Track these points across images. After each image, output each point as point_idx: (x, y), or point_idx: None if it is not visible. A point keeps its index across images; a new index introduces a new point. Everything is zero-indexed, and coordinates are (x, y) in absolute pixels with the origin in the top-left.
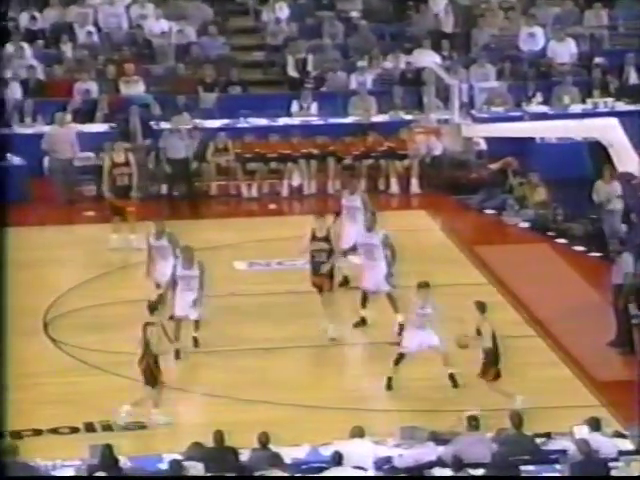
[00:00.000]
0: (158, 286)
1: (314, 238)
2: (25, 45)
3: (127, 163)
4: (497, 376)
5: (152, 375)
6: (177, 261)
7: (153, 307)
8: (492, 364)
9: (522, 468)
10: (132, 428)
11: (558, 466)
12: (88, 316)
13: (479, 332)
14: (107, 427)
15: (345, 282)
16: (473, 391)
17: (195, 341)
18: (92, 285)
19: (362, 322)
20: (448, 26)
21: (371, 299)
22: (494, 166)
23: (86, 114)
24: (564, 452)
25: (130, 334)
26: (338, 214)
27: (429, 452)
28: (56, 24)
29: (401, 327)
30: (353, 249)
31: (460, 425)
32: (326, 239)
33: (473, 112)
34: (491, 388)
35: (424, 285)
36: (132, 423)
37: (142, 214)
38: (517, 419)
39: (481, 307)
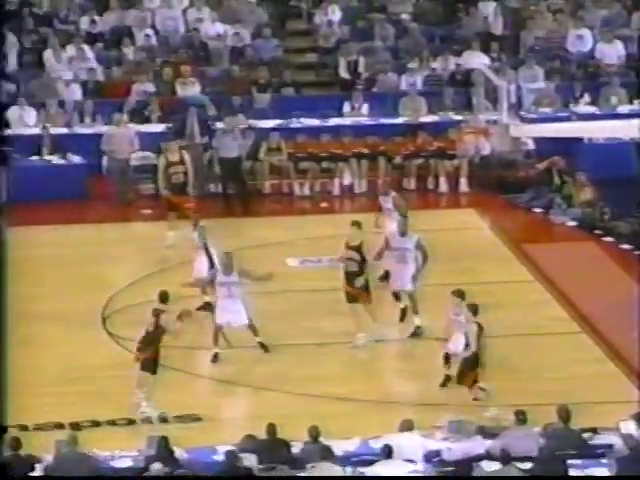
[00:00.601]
0: (198, 285)
1: (347, 246)
2: (85, 47)
3: (182, 161)
4: (475, 382)
5: (156, 363)
6: (215, 265)
7: (164, 297)
8: (471, 369)
9: (569, 462)
10: (187, 420)
11: (604, 460)
12: (144, 312)
13: (465, 335)
14: (163, 419)
15: (386, 276)
16: (516, 385)
17: (262, 346)
18: (148, 281)
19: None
20: (497, 28)
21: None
22: (541, 165)
23: (142, 114)
24: (610, 447)
25: (183, 329)
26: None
27: (477, 445)
28: (115, 27)
29: (417, 328)
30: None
31: (504, 419)
32: (358, 249)
33: (521, 112)
34: (470, 394)
35: (458, 294)
36: (187, 416)
37: (197, 211)
38: (564, 414)
39: (473, 309)
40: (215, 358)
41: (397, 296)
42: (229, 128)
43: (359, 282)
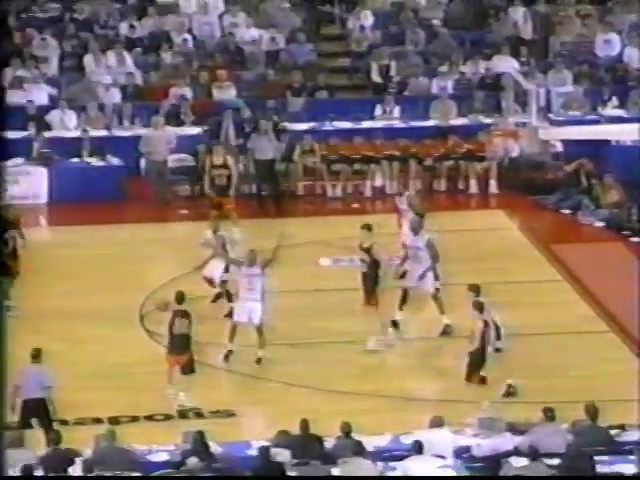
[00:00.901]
0: (210, 282)
1: (360, 248)
2: (124, 52)
3: (225, 165)
4: (483, 378)
5: (193, 364)
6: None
7: (181, 298)
8: (475, 366)
9: (596, 459)
10: (222, 416)
11: (632, 457)
12: None
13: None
14: (199, 414)
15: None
16: (545, 383)
17: (259, 361)
18: (184, 280)
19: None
20: (527, 33)
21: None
22: (569, 167)
23: (178, 117)
24: (638, 443)
25: (219, 327)
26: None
27: (506, 442)
28: (153, 32)
29: (447, 327)
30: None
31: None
32: (368, 250)
33: (550, 116)
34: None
35: (472, 289)
36: (222, 411)
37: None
38: (592, 411)
39: (478, 306)
40: (227, 356)
41: (405, 295)
42: (263, 130)
43: (367, 284)
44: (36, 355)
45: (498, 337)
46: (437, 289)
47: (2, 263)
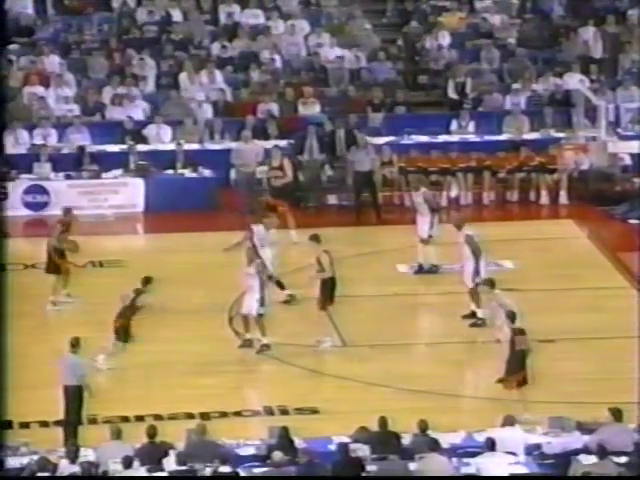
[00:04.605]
0: None
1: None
2: (216, 71)
3: (281, 168)
4: (519, 384)
5: (127, 333)
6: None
7: (148, 281)
8: (512, 371)
9: None
10: (305, 412)
11: None
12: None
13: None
14: (284, 411)
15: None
16: (613, 385)
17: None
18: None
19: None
20: (597, 52)
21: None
22: (638, 180)
23: (265, 132)
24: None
25: (296, 329)
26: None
27: (575, 440)
28: (243, 52)
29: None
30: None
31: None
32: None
33: (619, 130)
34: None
35: (486, 284)
36: (305, 408)
37: (313, 222)
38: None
39: (511, 316)
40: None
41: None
42: (362, 144)
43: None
44: (74, 344)
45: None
46: (477, 284)
47: (56, 264)
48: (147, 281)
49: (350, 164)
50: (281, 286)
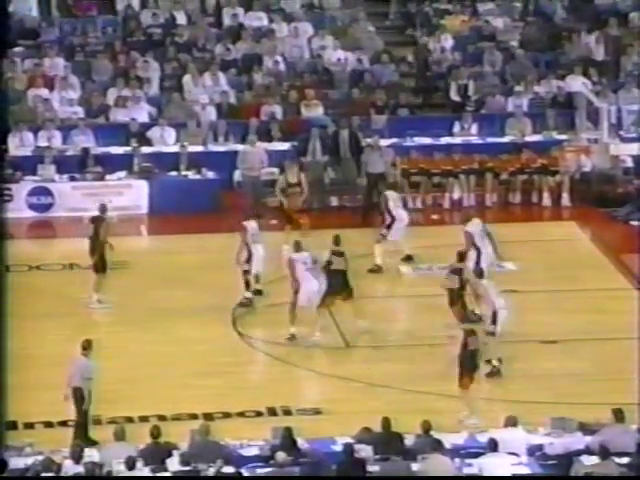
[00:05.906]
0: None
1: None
2: (220, 73)
3: (299, 183)
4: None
5: (103, 264)
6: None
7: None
8: (468, 371)
9: None
10: (309, 413)
11: None
12: (270, 312)
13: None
14: (287, 412)
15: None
16: (614, 385)
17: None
18: (273, 286)
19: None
20: (598, 54)
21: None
22: (638, 182)
23: (268, 134)
24: None
25: (298, 330)
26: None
27: (577, 441)
28: (247, 55)
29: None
30: None
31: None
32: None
33: (621, 132)
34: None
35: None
36: (309, 409)
37: (316, 223)
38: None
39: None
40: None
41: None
42: (376, 145)
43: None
44: (86, 347)
45: (494, 321)
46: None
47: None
48: (104, 209)
49: (364, 165)
50: (248, 285)
